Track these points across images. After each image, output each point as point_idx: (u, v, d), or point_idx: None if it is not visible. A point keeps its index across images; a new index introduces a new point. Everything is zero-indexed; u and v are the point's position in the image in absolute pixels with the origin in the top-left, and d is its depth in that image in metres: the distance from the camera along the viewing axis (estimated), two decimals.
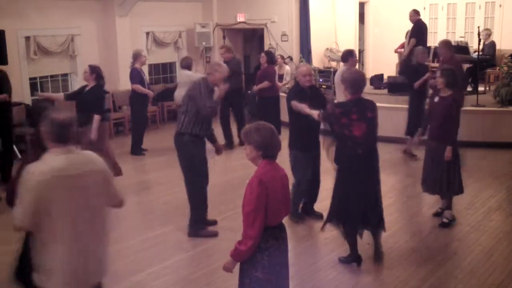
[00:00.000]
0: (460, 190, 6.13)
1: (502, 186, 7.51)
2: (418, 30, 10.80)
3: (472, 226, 6.14)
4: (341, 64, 8.39)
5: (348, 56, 7.77)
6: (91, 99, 7.24)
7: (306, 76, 5.98)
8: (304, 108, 5.65)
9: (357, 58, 9.09)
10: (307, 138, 6.08)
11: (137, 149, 9.70)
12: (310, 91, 6.06)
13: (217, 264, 5.16)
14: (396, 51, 13.42)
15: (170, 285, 4.93)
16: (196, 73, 10.07)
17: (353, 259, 5.20)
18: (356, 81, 4.98)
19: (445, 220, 6.10)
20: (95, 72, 7.33)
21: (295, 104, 5.81)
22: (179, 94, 9.03)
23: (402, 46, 12.59)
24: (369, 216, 5.06)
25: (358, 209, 5.00)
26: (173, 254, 5.53)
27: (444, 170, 5.91)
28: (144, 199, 7.49)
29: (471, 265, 5.16)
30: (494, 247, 5.56)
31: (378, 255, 5.24)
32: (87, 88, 7.43)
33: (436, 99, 5.98)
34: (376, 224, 5.13)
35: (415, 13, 10.99)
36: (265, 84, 9.80)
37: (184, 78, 9.63)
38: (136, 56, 9.45)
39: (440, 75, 5.89)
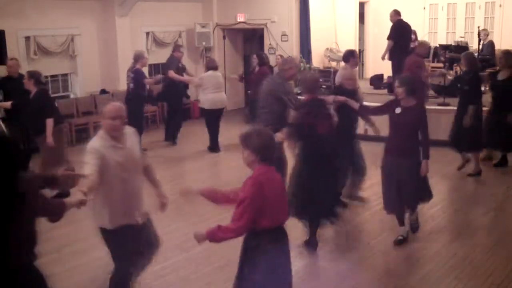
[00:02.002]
0: (430, 196, 5.81)
1: (502, 186, 7.50)
2: (397, 31, 10.53)
3: (472, 226, 6.14)
4: (342, 64, 8.37)
5: (349, 56, 7.76)
6: (37, 107, 7.02)
7: (350, 80, 6.60)
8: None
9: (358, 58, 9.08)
10: None
11: None
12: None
13: (217, 264, 5.18)
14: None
15: (170, 285, 4.93)
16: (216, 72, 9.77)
17: (312, 243, 5.49)
18: (312, 83, 5.58)
19: (400, 237, 5.66)
20: (34, 77, 7.11)
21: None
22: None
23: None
24: (333, 207, 5.59)
25: (326, 202, 5.42)
26: (173, 254, 5.52)
27: (420, 182, 5.56)
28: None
29: (471, 265, 5.16)
30: (494, 247, 5.56)
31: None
32: (31, 96, 7.23)
33: (398, 110, 5.42)
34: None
35: (395, 14, 10.71)
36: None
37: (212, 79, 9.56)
38: (138, 57, 9.38)
39: (399, 84, 5.39)
